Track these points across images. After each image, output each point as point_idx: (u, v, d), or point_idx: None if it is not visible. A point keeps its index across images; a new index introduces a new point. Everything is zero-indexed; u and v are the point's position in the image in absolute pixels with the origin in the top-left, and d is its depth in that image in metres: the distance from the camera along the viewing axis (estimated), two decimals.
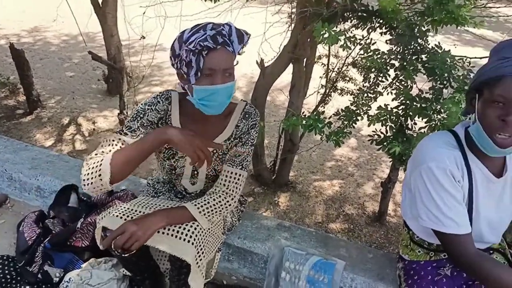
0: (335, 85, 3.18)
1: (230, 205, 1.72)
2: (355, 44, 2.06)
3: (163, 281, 1.93)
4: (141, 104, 1.71)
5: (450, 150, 1.42)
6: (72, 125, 4.18)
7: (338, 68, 3.19)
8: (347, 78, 3.19)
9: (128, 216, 1.57)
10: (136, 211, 1.61)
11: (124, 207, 1.62)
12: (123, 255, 1.56)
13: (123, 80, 3.79)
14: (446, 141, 1.46)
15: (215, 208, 1.66)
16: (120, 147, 1.58)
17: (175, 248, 1.54)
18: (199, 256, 1.56)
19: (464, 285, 1.48)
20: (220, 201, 1.69)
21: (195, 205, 1.63)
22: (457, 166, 1.41)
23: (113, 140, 1.60)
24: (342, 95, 3.21)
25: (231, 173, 1.72)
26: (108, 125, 4.22)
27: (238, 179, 1.72)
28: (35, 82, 4.30)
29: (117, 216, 1.58)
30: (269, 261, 1.94)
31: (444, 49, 1.99)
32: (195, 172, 1.80)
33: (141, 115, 1.68)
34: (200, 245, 1.56)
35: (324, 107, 3.20)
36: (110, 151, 1.54)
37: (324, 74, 3.21)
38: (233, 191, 1.72)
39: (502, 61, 1.29)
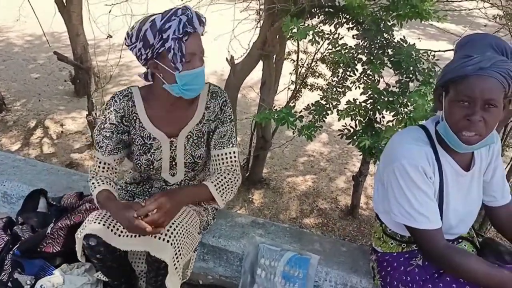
0: (305, 81, 3.21)
1: (238, 180, 1.79)
2: (323, 39, 2.08)
3: (138, 284, 1.91)
4: (104, 110, 1.74)
5: (421, 146, 1.46)
6: (39, 128, 4.07)
7: (307, 64, 3.22)
8: (317, 74, 3.22)
9: (110, 224, 1.57)
10: None
11: (106, 215, 1.61)
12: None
13: (91, 80, 3.72)
14: (417, 137, 1.49)
15: (228, 186, 1.74)
16: (99, 165, 1.73)
17: (153, 247, 1.54)
18: (177, 257, 1.56)
19: (435, 273, 1.52)
20: (230, 178, 1.76)
21: (212, 182, 1.71)
22: (428, 162, 1.44)
23: (96, 157, 1.74)
24: (312, 90, 3.24)
25: (226, 154, 1.77)
26: (77, 127, 4.13)
27: (235, 156, 1.79)
28: None
29: (99, 223, 1.57)
30: (244, 259, 1.94)
31: (409, 43, 2.03)
32: (174, 163, 1.79)
33: (102, 124, 1.71)
34: (178, 247, 1.56)
35: (295, 103, 3.21)
36: (96, 171, 1.73)
37: (293, 70, 3.22)
38: (235, 169, 1.79)
39: (466, 60, 1.32)
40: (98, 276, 1.83)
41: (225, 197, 1.73)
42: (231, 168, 1.77)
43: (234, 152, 1.77)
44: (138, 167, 1.79)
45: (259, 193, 3.39)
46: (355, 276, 1.85)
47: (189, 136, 1.75)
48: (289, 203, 3.31)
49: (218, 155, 1.77)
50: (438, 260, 1.46)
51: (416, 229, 1.46)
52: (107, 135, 1.69)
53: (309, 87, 3.25)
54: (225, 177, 1.74)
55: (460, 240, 1.64)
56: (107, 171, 1.74)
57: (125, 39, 1.58)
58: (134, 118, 1.71)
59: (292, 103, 3.20)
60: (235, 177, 1.77)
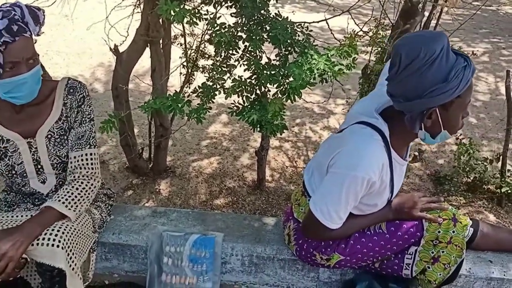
0: (196, 63, 3.18)
1: (95, 187, 1.68)
2: (202, 19, 2.07)
3: None
4: None
5: (380, 158, 1.48)
6: None
7: (196, 47, 3.19)
8: (206, 56, 3.21)
9: None
10: None
11: None
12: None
13: None
14: (379, 149, 1.49)
15: (81, 196, 1.61)
16: None
17: (43, 256, 1.45)
18: (71, 258, 1.49)
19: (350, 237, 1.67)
20: (84, 187, 1.63)
21: (59, 200, 1.56)
22: (381, 172, 1.49)
23: None
24: (204, 73, 3.23)
25: (82, 155, 1.66)
26: None
27: (92, 159, 1.67)
28: None
29: None
30: (149, 250, 1.92)
31: (283, 17, 2.09)
32: (39, 167, 1.68)
33: None
34: (69, 247, 1.49)
35: (189, 87, 3.18)
36: None
37: (183, 53, 3.18)
38: (92, 172, 1.68)
39: (467, 71, 1.34)
40: None
41: (80, 209, 1.62)
42: (88, 172, 1.68)
43: (92, 154, 1.68)
44: (4, 177, 1.67)
45: (166, 182, 3.34)
46: (260, 246, 1.92)
47: (49, 136, 1.65)
48: (197, 188, 3.31)
49: (75, 157, 1.67)
50: (321, 240, 1.68)
51: (320, 222, 1.54)
52: None
53: (201, 69, 3.23)
54: (77, 188, 1.63)
55: None
56: None
57: None
58: None
59: (186, 87, 3.17)
60: (91, 184, 1.67)
